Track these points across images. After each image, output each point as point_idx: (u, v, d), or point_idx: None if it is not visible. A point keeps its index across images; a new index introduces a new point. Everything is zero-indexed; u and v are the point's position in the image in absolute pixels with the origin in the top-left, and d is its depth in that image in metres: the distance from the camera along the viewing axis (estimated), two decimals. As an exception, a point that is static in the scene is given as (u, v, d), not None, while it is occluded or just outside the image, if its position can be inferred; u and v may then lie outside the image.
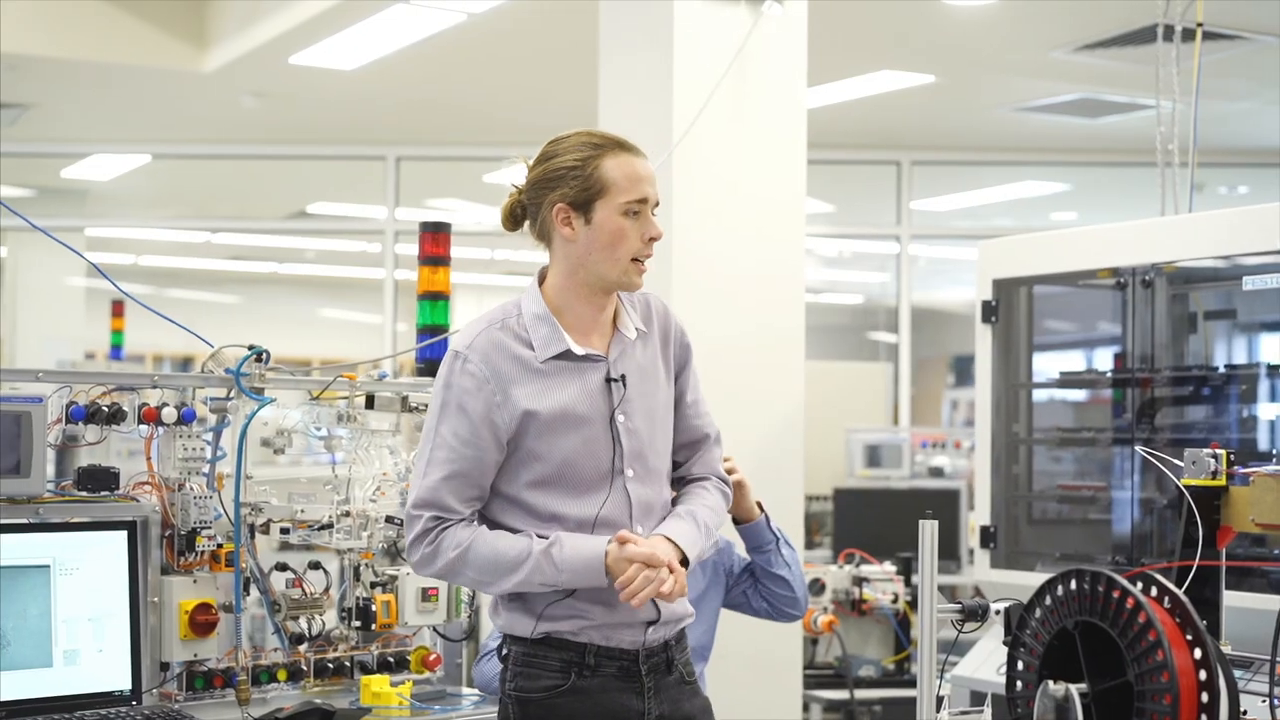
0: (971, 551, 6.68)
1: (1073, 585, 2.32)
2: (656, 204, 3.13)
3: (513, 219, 3.19)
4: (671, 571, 2.98)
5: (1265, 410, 4.28)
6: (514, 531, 3.06)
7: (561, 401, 3.06)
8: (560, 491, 3.07)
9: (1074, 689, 2.28)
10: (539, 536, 3.02)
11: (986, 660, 4.59)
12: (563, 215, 3.08)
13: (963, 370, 17.52)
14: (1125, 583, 2.25)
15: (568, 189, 3.06)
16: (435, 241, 4.05)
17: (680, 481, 3.30)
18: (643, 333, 3.21)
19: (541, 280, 3.18)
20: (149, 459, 3.57)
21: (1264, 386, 4.27)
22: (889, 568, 5.92)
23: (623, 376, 3.13)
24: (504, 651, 3.13)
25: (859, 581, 5.86)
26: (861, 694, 5.91)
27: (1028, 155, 11.57)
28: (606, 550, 2.99)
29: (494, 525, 3.10)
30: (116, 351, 10.89)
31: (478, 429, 3.02)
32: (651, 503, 3.16)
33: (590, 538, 3.02)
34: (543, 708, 3.06)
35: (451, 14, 7.96)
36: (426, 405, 3.77)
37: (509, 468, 3.07)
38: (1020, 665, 2.41)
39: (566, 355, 3.09)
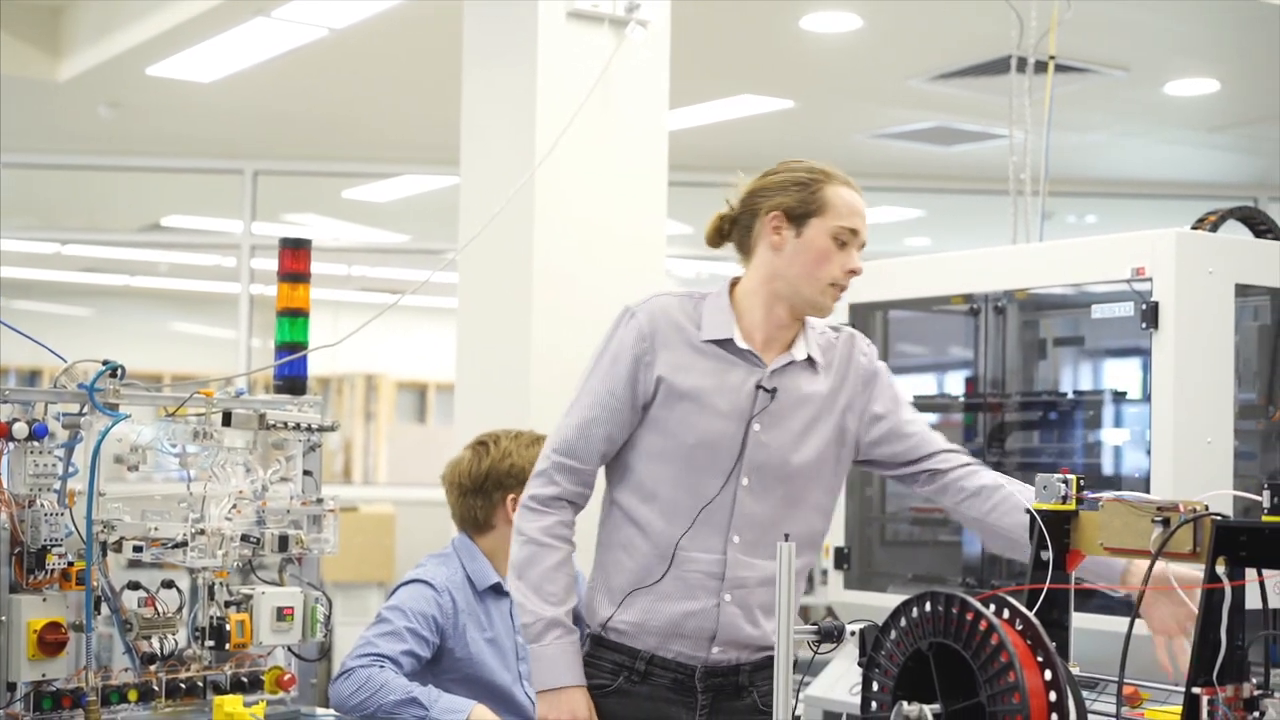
0: (825, 573, 6.73)
1: (927, 607, 2.36)
2: (863, 244, 3.18)
3: (719, 234, 3.33)
4: None
5: (1110, 435, 4.38)
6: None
7: (701, 384, 3.12)
8: (671, 472, 3.12)
9: (928, 710, 2.32)
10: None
11: (839, 681, 4.64)
12: (775, 222, 3.18)
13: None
14: (978, 605, 2.30)
15: (788, 198, 3.16)
16: (295, 258, 4.00)
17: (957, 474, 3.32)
18: (815, 363, 3.22)
19: (731, 289, 3.27)
20: (-2, 475, 3.49)
21: (1110, 412, 4.37)
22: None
23: (774, 389, 3.14)
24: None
25: (715, 602, 5.85)
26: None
27: (883, 181, 11.68)
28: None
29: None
30: (-40, 364, 10.64)
31: (623, 382, 3.11)
32: (767, 522, 3.15)
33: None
34: (594, 702, 3.16)
35: (313, 29, 7.87)
36: (284, 423, 3.76)
37: (637, 433, 3.15)
38: (875, 686, 2.44)
39: (728, 345, 3.16)
